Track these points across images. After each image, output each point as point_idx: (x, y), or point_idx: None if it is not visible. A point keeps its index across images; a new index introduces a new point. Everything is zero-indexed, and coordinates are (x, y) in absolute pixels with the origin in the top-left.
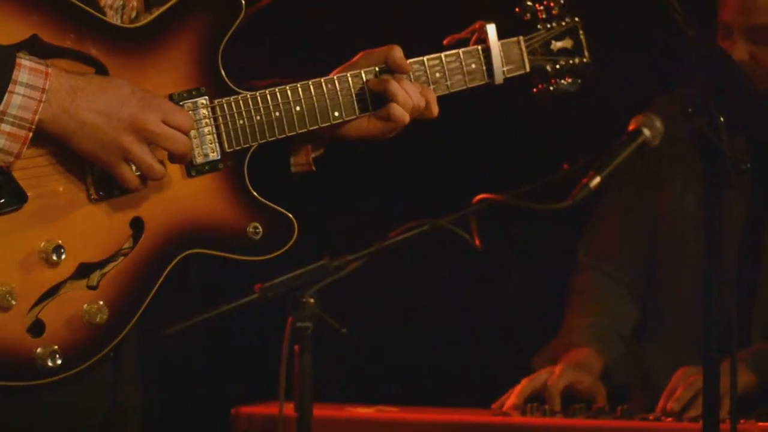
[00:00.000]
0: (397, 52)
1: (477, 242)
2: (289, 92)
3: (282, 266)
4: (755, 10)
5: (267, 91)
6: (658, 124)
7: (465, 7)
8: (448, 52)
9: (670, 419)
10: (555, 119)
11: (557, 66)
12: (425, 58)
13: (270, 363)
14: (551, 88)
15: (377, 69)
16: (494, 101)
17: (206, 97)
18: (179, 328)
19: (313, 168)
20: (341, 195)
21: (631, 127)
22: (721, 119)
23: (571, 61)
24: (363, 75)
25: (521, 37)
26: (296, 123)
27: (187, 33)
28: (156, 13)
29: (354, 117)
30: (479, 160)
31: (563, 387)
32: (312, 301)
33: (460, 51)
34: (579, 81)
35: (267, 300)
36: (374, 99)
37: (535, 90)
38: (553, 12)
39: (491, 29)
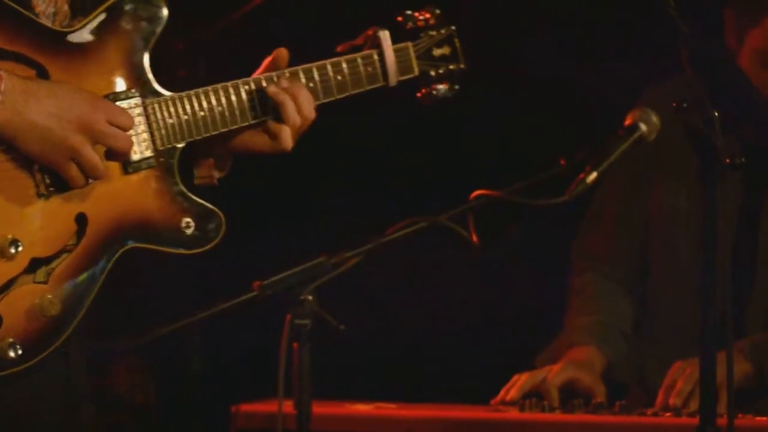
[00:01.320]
0: (279, 52)
1: (474, 238)
2: (212, 94)
3: (280, 264)
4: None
5: (193, 92)
6: (655, 118)
7: (349, 16)
8: (347, 56)
9: (668, 414)
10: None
11: (439, 71)
12: (328, 63)
13: (269, 360)
14: (433, 92)
15: (275, 75)
16: (490, 99)
17: (139, 98)
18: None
19: (215, 182)
20: (338, 192)
21: (627, 122)
22: (716, 114)
23: (450, 67)
24: (261, 81)
25: (410, 43)
26: (218, 123)
27: (118, 38)
28: (88, 18)
29: (253, 122)
30: (476, 157)
31: (561, 383)
32: (310, 298)
33: (358, 55)
34: (456, 87)
35: (266, 297)
36: (268, 105)
37: (419, 94)
38: (431, 21)
39: (385, 35)
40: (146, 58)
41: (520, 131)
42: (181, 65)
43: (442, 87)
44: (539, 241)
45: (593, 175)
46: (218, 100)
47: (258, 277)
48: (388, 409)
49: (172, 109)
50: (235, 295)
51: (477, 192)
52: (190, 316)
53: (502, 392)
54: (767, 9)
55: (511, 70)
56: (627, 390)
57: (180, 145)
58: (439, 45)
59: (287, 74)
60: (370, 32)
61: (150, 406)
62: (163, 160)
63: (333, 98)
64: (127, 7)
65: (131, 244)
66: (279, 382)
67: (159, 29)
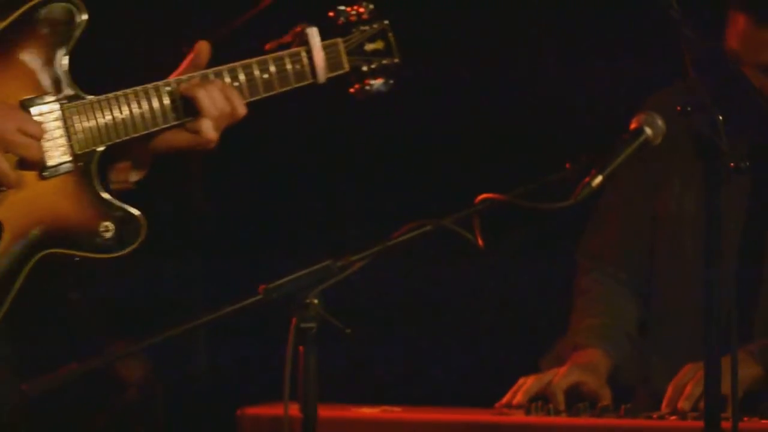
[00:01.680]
0: (200, 46)
1: (480, 242)
2: (132, 97)
3: (286, 267)
4: (763, 47)
5: (113, 95)
6: (660, 122)
7: (281, 13)
8: (274, 54)
9: (674, 417)
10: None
11: (372, 66)
12: (254, 61)
13: (275, 364)
14: (366, 87)
15: (187, 76)
16: (498, 102)
17: (56, 103)
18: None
19: (131, 186)
20: (345, 196)
21: (632, 126)
22: (720, 117)
23: (383, 62)
24: (175, 83)
25: (340, 39)
26: (139, 125)
27: (34, 42)
28: (4, 23)
29: (176, 123)
30: (482, 160)
31: (567, 386)
32: (316, 301)
33: (285, 53)
34: (391, 81)
35: (271, 301)
36: (186, 106)
37: (352, 90)
38: (364, 17)
39: (313, 32)
40: (65, 62)
41: (525, 135)
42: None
43: (375, 82)
44: (544, 243)
45: (598, 179)
46: (139, 102)
47: (263, 280)
48: (394, 413)
49: (90, 114)
50: (241, 299)
51: (482, 195)
52: (195, 319)
53: (508, 395)
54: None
55: (517, 73)
56: (633, 392)
57: (99, 149)
58: (371, 40)
59: (211, 75)
60: (298, 29)
61: (156, 409)
62: (82, 165)
63: (260, 97)
64: (44, 12)
65: (49, 250)
66: (284, 386)
67: (77, 33)
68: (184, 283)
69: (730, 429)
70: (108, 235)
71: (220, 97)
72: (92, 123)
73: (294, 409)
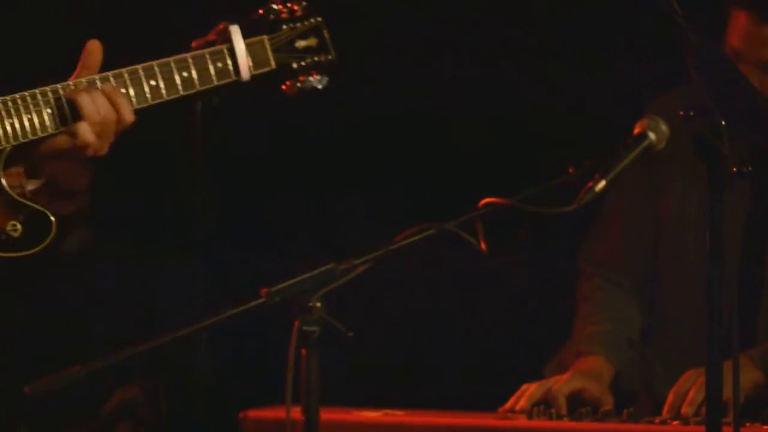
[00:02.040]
0: (90, 46)
1: (483, 246)
2: (19, 100)
3: (289, 270)
4: (765, 44)
5: (8, 98)
6: (664, 127)
7: (212, 11)
8: (194, 53)
9: (676, 422)
10: (560, 123)
11: (302, 63)
12: (172, 60)
13: (277, 367)
14: (298, 84)
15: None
16: (502, 106)
17: None
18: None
19: (27, 194)
20: (347, 199)
21: (636, 131)
22: (722, 122)
23: (316, 59)
24: (61, 87)
25: (265, 36)
26: (10, 137)
27: None
28: None
29: (59, 131)
30: (485, 164)
31: (569, 391)
32: (319, 305)
33: (206, 51)
34: (326, 78)
35: (274, 304)
36: (72, 111)
37: (283, 87)
38: (296, 14)
39: (235, 29)
40: None
41: (529, 139)
42: None
43: (310, 78)
44: (548, 248)
45: (602, 184)
46: (16, 111)
47: (266, 283)
48: (397, 416)
49: None
50: (244, 302)
51: (485, 200)
52: (198, 322)
53: (511, 401)
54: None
55: (521, 78)
56: (635, 398)
57: (7, 148)
58: (303, 36)
59: (125, 74)
60: (221, 27)
61: (159, 412)
62: None
63: (178, 95)
64: None
65: None
66: (287, 389)
67: None
68: (187, 286)
69: None
70: (16, 234)
71: (104, 103)
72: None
73: (296, 412)
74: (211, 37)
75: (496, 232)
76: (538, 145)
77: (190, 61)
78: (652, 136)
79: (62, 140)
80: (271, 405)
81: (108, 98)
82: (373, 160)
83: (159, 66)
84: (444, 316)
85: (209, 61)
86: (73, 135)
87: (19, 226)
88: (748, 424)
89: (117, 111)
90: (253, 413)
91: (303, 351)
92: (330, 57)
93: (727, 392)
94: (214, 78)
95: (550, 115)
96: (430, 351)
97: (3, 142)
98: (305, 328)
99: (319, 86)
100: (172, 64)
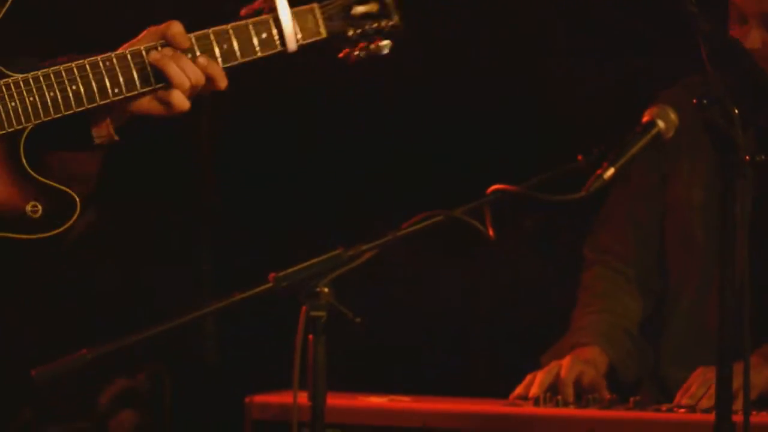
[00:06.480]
0: (175, 27)
1: (491, 233)
2: (63, 72)
3: (297, 256)
4: None
5: (40, 73)
6: (673, 116)
7: None
8: (235, 24)
9: (683, 411)
10: (569, 110)
11: (360, 30)
12: (210, 31)
13: (284, 352)
14: (357, 52)
15: (159, 45)
16: (511, 93)
17: None
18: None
19: (116, 138)
20: (355, 185)
21: (645, 119)
22: (735, 111)
23: (375, 25)
24: (143, 52)
25: (316, 5)
26: (73, 102)
27: None
28: None
29: (136, 92)
30: (494, 151)
31: (575, 378)
32: (326, 290)
33: (249, 21)
34: (391, 43)
35: (281, 289)
36: (155, 75)
37: (341, 55)
38: None
39: None
40: None
41: (537, 126)
42: None
43: (371, 46)
44: (555, 236)
45: (610, 171)
46: (72, 79)
47: (274, 268)
48: (403, 402)
49: (15, 91)
50: (251, 287)
51: (494, 186)
52: (205, 307)
53: (520, 388)
54: None
55: (531, 66)
56: (640, 386)
57: (29, 126)
58: (361, 2)
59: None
60: None
61: (164, 397)
62: (6, 145)
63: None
64: None
65: None
66: (294, 374)
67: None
68: (194, 271)
69: (741, 423)
70: (37, 215)
71: (193, 71)
72: (16, 102)
73: (303, 397)
74: (257, 5)
75: (504, 219)
76: (547, 133)
77: (231, 32)
78: (661, 124)
79: (155, 107)
80: (278, 390)
81: (176, 59)
82: (381, 146)
83: (196, 39)
84: (452, 303)
85: (253, 31)
86: (164, 101)
87: (39, 207)
88: (754, 412)
89: (211, 76)
90: (260, 398)
91: (310, 336)
92: (392, 23)
93: (737, 386)
94: (258, 49)
95: (560, 102)
96: (438, 337)
97: (42, 116)
98: (312, 313)
99: (384, 53)
100: (212, 36)
